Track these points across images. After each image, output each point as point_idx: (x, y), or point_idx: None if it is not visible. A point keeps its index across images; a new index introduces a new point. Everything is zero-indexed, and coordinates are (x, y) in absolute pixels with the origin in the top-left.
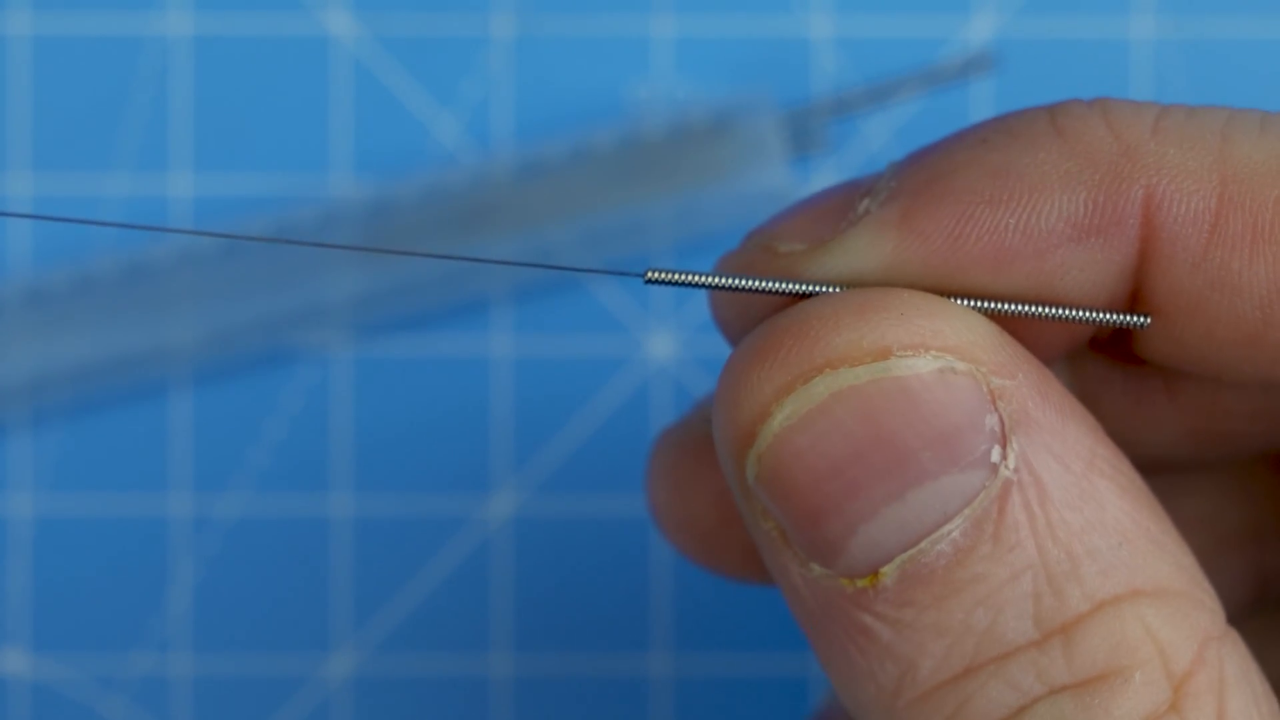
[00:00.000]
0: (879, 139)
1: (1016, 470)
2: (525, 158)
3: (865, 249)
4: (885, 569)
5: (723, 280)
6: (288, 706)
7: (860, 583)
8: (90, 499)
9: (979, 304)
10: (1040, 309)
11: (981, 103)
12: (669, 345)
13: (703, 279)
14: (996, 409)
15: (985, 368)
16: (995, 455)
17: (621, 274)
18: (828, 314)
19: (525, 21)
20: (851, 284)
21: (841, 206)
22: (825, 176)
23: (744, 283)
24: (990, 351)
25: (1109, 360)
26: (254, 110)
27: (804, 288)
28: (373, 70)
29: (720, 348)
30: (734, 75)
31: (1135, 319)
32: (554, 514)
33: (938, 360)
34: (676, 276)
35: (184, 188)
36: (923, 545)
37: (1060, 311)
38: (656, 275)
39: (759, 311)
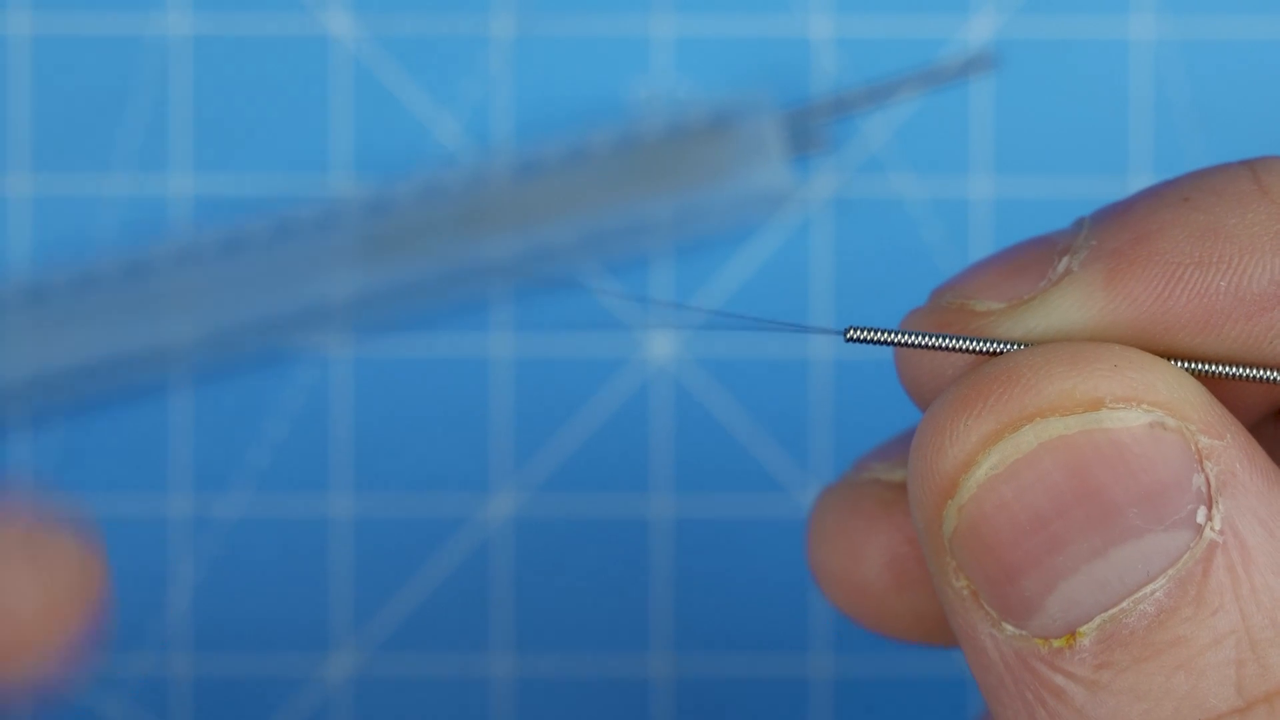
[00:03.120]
0: (879, 139)
1: (1221, 533)
2: (525, 158)
3: (1070, 309)
4: (1083, 629)
5: (929, 340)
6: (288, 706)
7: (1056, 643)
8: (90, 499)
9: (1185, 364)
10: (1248, 371)
11: (981, 103)
12: (669, 345)
13: (907, 339)
14: (1204, 469)
15: (1195, 426)
16: (1200, 516)
17: (823, 331)
18: (1039, 363)
19: (525, 21)
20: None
21: (1036, 263)
22: (825, 176)
23: (949, 342)
24: (1200, 410)
25: None
26: (254, 110)
27: (1010, 347)
28: (373, 70)
29: (722, 348)
30: (734, 75)
31: None
32: (554, 514)
33: (1149, 415)
34: (878, 336)
35: (184, 188)
36: (1124, 605)
37: (1267, 374)
38: (856, 334)
39: (953, 371)
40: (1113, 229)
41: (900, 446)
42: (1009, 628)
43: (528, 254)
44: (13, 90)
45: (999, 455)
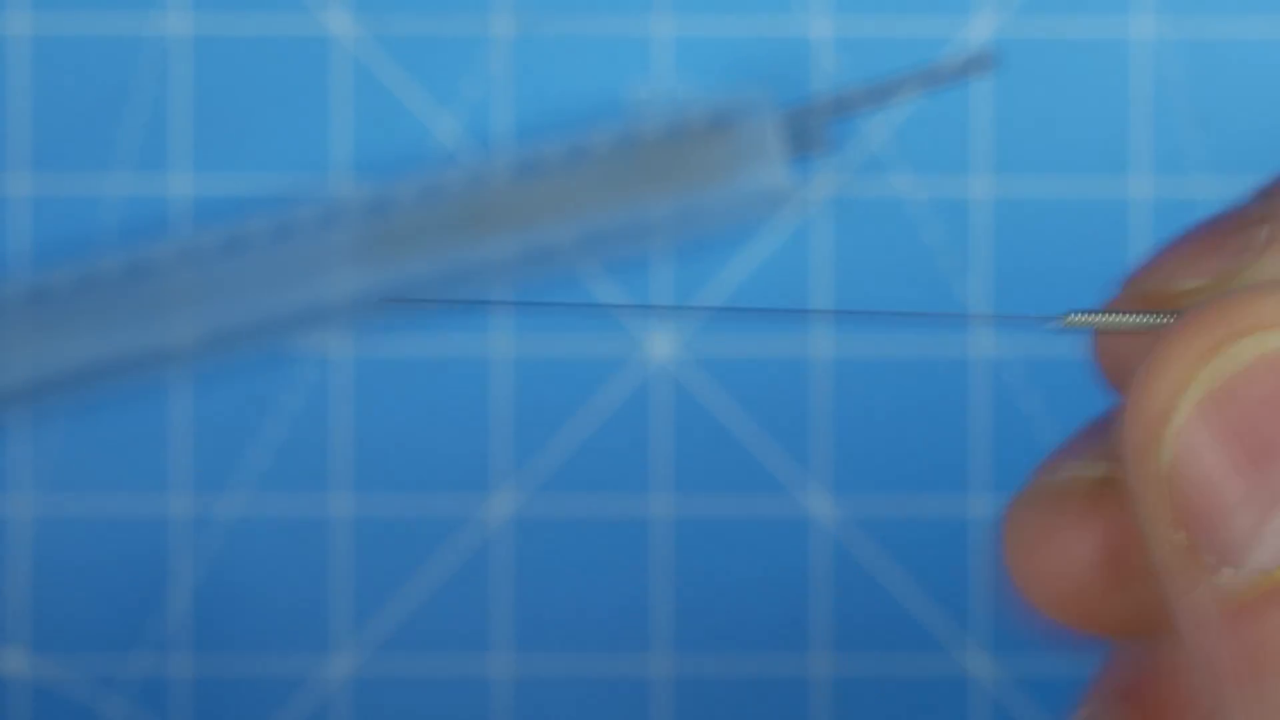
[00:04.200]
0: (879, 139)
1: None
2: (525, 158)
3: (1273, 278)
4: None
5: (1148, 319)
6: (288, 706)
7: (1267, 583)
8: (90, 499)
9: None
10: None
11: (981, 103)
12: (669, 345)
13: (1127, 321)
14: None
15: None
16: None
17: (1039, 319)
18: (1256, 288)
19: (525, 21)
20: None
21: (1233, 236)
22: (825, 176)
23: (1169, 319)
24: None
25: None
26: (254, 110)
27: None
28: (373, 70)
29: (721, 347)
30: (734, 75)
31: None
32: (554, 514)
33: None
34: (1100, 319)
35: (184, 188)
36: None
37: None
38: (1076, 319)
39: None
40: None
41: (1087, 442)
42: (1227, 571)
43: (528, 254)
44: (13, 90)
45: (1215, 371)
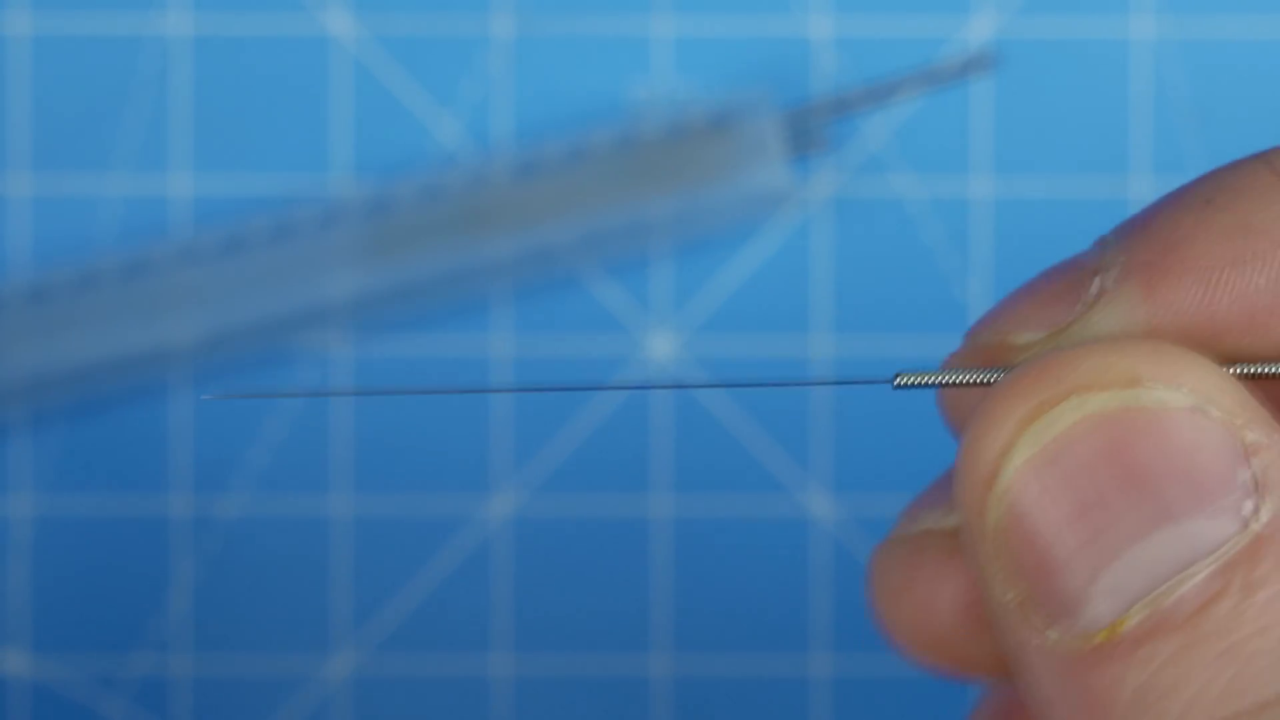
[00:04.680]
0: (879, 139)
1: (1268, 526)
2: (525, 158)
3: (1112, 327)
4: (1125, 617)
5: (979, 376)
6: (288, 706)
7: (1099, 637)
8: (90, 499)
9: (1233, 369)
10: None
11: (981, 103)
12: (669, 345)
13: (955, 378)
14: (1250, 464)
15: (1240, 420)
16: (1247, 509)
17: (869, 381)
18: (1079, 349)
19: (525, 21)
20: None
21: (1068, 288)
22: (825, 176)
23: (999, 375)
24: (1245, 407)
25: None
26: (254, 110)
27: None
28: (373, 70)
29: (722, 347)
30: (734, 75)
31: None
32: (554, 514)
33: (1191, 398)
34: (926, 379)
35: (184, 188)
36: (1166, 590)
37: None
38: (905, 380)
39: None
40: (1140, 242)
41: (942, 491)
42: (1054, 633)
43: (528, 254)
44: (13, 90)
45: (1037, 434)
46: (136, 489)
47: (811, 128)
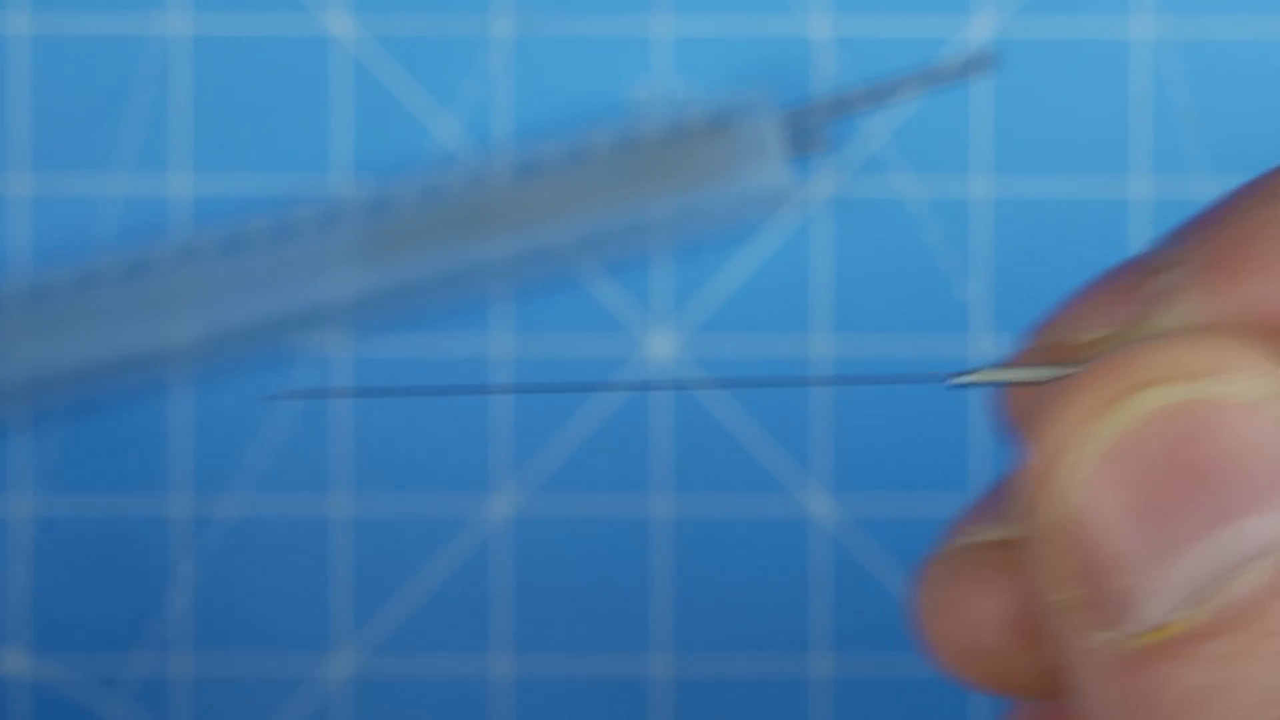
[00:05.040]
0: (879, 139)
1: None
2: (525, 158)
3: (1180, 326)
4: (1179, 617)
5: (1038, 375)
6: (288, 706)
7: (1151, 636)
8: (90, 499)
9: None
10: None
11: (981, 103)
12: (669, 345)
13: (1015, 377)
14: None
15: None
16: None
17: (924, 380)
18: (1146, 343)
19: (525, 21)
20: None
21: (1130, 287)
22: (825, 176)
23: (1064, 371)
24: None
25: None
26: (254, 110)
27: None
28: (373, 70)
29: (722, 347)
30: (734, 75)
31: None
32: (554, 514)
33: (1256, 394)
34: (985, 378)
35: (184, 188)
36: (1218, 588)
37: None
38: (962, 379)
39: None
40: (1205, 238)
41: (993, 503)
42: (1109, 634)
43: (528, 254)
44: (13, 90)
45: (1113, 425)
46: (136, 489)
47: (811, 128)
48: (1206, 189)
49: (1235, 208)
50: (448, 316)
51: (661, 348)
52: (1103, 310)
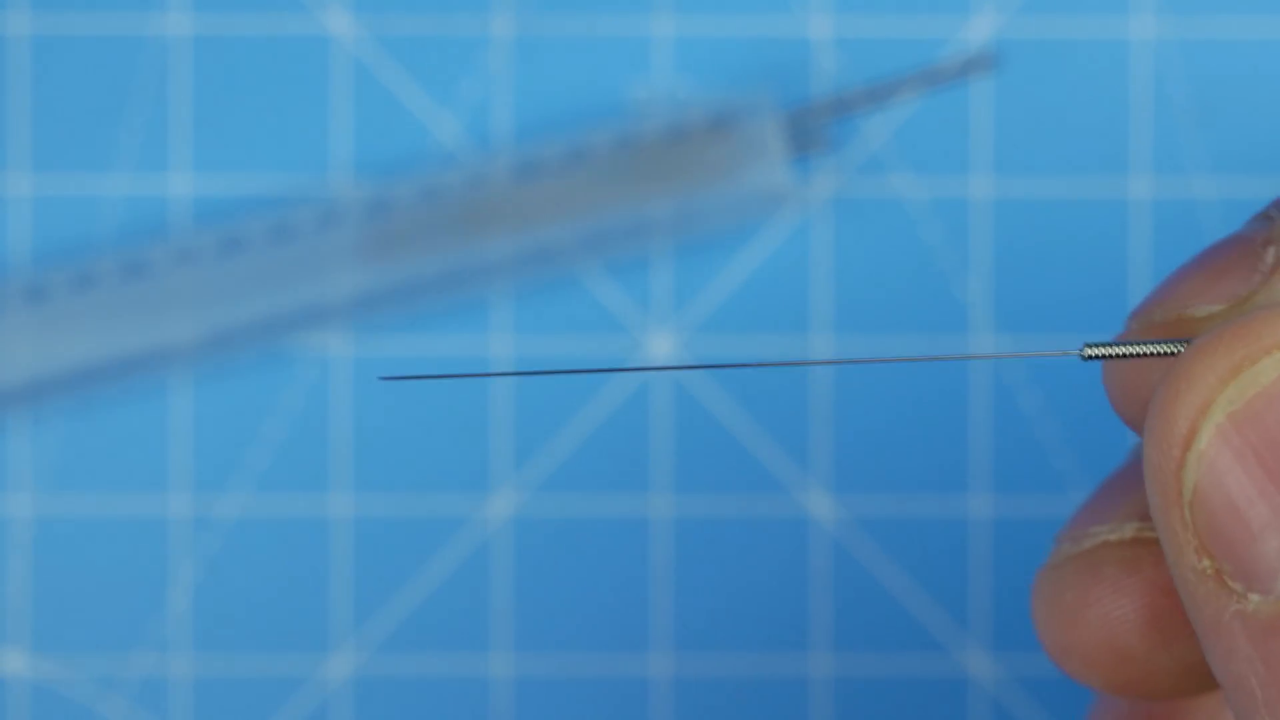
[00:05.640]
0: (879, 139)
1: None
2: (525, 158)
3: None
4: None
5: (1166, 347)
6: (288, 706)
7: None
8: (90, 499)
9: None
10: None
11: (981, 103)
12: (669, 345)
13: (1146, 349)
14: None
15: None
16: None
17: (1057, 354)
18: (1274, 308)
19: (525, 21)
20: None
21: (1241, 260)
22: (825, 176)
23: (1186, 345)
24: None
25: None
26: (254, 110)
27: None
28: (373, 70)
29: (722, 347)
30: (734, 75)
31: None
32: (554, 514)
33: None
34: (1117, 350)
35: (184, 188)
36: None
37: None
38: (1095, 352)
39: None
40: None
41: (1106, 503)
42: (1254, 598)
43: (528, 254)
44: (13, 90)
45: (1236, 392)
46: (136, 489)
47: (811, 128)
48: (1206, 189)
49: None
50: (448, 316)
51: (661, 348)
52: (1214, 285)
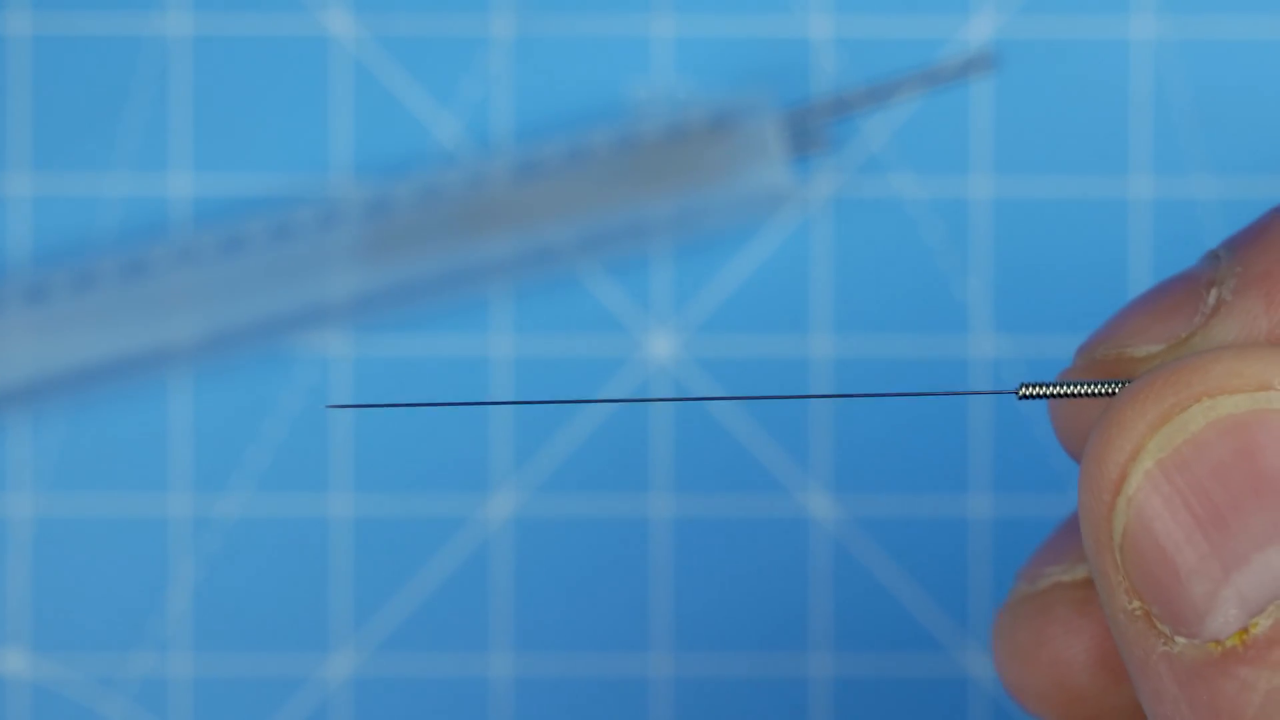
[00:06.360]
0: (879, 139)
1: None
2: (525, 158)
3: (1235, 339)
4: (1257, 620)
5: (1103, 387)
6: (288, 706)
7: (1229, 642)
8: (90, 499)
9: None
10: None
11: (981, 103)
12: (669, 345)
13: (1082, 389)
14: None
15: None
16: None
17: (992, 393)
18: (1206, 354)
19: (525, 21)
20: None
21: (1185, 301)
22: (825, 176)
23: (1124, 385)
24: None
25: None
26: (254, 110)
27: None
28: (373, 70)
29: (722, 347)
30: (734, 75)
31: None
32: (554, 514)
33: None
34: (1052, 390)
35: (184, 188)
36: None
37: None
38: (1030, 391)
39: None
40: (1257, 252)
41: (1060, 544)
42: (1181, 641)
43: (528, 254)
44: (13, 90)
45: (1167, 438)
46: (136, 489)
47: (811, 128)
48: (1206, 189)
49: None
50: (448, 316)
51: (661, 348)
52: (1156, 325)
